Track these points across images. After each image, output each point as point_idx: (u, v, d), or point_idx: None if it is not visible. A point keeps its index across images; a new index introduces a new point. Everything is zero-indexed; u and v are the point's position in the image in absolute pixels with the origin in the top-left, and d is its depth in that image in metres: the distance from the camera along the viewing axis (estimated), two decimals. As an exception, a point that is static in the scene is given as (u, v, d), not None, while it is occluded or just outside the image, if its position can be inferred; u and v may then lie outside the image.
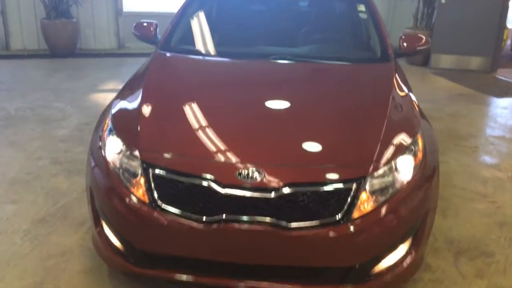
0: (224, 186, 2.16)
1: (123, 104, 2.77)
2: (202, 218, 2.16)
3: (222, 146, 2.34)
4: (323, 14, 3.93)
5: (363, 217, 2.22)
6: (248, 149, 2.33)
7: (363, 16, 3.79)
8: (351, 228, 2.19)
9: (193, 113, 2.61)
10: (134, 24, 3.79)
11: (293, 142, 2.39)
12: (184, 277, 2.27)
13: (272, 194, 2.15)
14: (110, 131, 2.55)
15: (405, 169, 2.40)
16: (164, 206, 2.22)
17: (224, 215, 2.15)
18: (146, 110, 2.62)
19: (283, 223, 2.14)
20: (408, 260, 2.42)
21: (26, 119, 5.25)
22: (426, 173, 2.52)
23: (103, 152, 2.49)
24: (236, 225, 2.15)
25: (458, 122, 5.67)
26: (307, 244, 2.17)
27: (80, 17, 8.77)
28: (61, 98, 6.11)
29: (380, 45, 3.45)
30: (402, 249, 2.41)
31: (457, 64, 8.38)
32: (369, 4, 3.76)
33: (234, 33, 3.65)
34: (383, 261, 2.34)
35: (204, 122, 2.52)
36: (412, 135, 2.54)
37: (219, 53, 3.43)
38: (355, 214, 2.21)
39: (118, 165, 2.39)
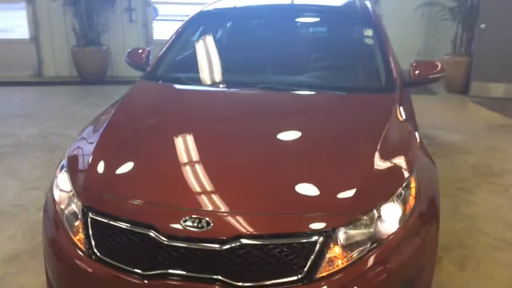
0: (167, 236, 1.86)
1: (83, 139, 2.53)
2: (142, 273, 1.86)
3: (171, 190, 2.05)
4: (327, 40, 3.60)
5: (333, 276, 1.86)
6: (199, 193, 2.02)
7: (371, 41, 3.44)
8: (316, 288, 1.83)
9: (149, 153, 2.32)
10: (127, 51, 3.61)
11: (256, 186, 2.06)
12: None
13: (221, 247, 1.83)
14: (62, 168, 2.32)
15: (391, 218, 2.02)
16: (101, 256, 1.94)
17: (167, 270, 1.85)
18: (102, 147, 2.37)
19: (233, 282, 1.81)
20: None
21: (35, 147, 5.16)
22: (420, 223, 2.13)
23: (52, 190, 2.26)
24: (180, 283, 1.84)
25: (493, 157, 5.13)
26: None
27: (111, 44, 8.81)
28: (77, 125, 5.97)
29: (385, 73, 3.09)
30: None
31: (500, 92, 7.77)
32: (377, 29, 3.40)
33: (227, 61, 3.38)
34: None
35: (158, 162, 2.23)
36: (403, 178, 2.16)
37: (206, 83, 3.16)
38: (323, 273, 1.85)
39: (64, 206, 2.14)
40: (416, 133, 2.67)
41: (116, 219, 1.94)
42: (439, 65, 3.24)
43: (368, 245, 1.95)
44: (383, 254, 1.95)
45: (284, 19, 3.60)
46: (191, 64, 3.33)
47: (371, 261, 1.93)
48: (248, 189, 2.04)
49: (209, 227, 1.85)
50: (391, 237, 2.00)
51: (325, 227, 1.88)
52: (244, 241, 1.82)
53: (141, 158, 2.28)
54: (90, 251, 1.96)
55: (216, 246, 1.83)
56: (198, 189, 2.04)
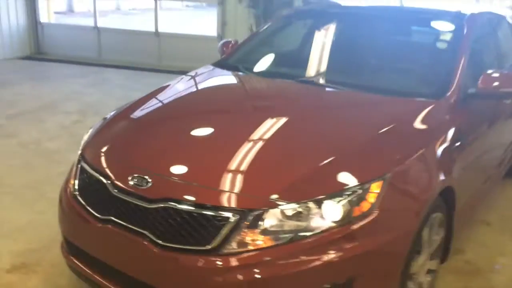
0: (115, 188, 2.15)
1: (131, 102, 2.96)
2: (97, 216, 2.19)
3: (136, 153, 2.35)
4: (403, 44, 3.38)
5: (239, 255, 1.91)
6: (154, 158, 2.26)
7: (444, 46, 3.13)
8: (220, 262, 1.92)
9: (147, 124, 2.65)
10: (221, 42, 3.96)
11: (203, 160, 2.21)
12: (81, 268, 2.33)
13: (149, 205, 2.05)
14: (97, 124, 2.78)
15: (327, 215, 1.96)
16: (79, 197, 2.33)
17: (112, 217, 2.15)
18: (123, 112, 2.79)
19: (155, 239, 2.02)
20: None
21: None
22: (371, 231, 2.00)
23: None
24: (117, 230, 2.12)
25: None
26: (170, 266, 1.99)
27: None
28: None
29: (441, 80, 2.81)
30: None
31: None
32: (459, 30, 3.08)
33: (294, 57, 3.47)
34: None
35: (143, 133, 2.54)
36: (361, 179, 2.05)
37: (261, 73, 3.32)
38: (231, 250, 1.92)
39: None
40: (440, 148, 2.43)
41: (90, 167, 2.31)
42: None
43: (292, 235, 1.93)
44: (303, 249, 1.91)
45: (364, 23, 3.51)
46: (258, 57, 3.51)
47: (287, 251, 1.91)
48: (194, 161, 2.20)
49: (147, 186, 2.08)
50: (321, 234, 1.94)
51: (242, 208, 1.94)
52: (167, 203, 2.01)
53: (137, 128, 2.64)
54: (74, 192, 2.37)
55: (146, 204, 2.05)
56: (155, 154, 2.29)
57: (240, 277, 1.90)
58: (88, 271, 2.30)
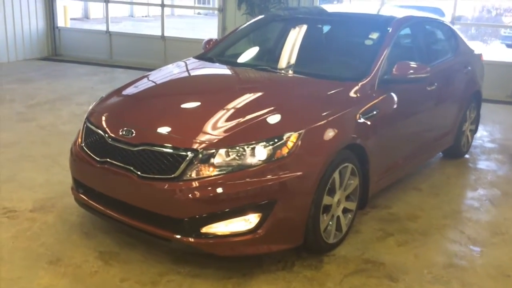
0: (110, 138, 3.02)
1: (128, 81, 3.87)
2: (97, 159, 3.06)
3: (127, 113, 3.24)
4: (342, 41, 4.26)
5: (196, 180, 2.75)
6: (139, 115, 3.16)
7: (372, 42, 3.97)
8: (181, 185, 2.76)
9: (132, 96, 3.57)
10: (205, 40, 4.82)
11: (174, 116, 3.13)
12: (86, 200, 3.19)
13: (133, 149, 2.90)
14: (103, 97, 3.69)
15: (255, 155, 2.80)
16: (84, 147, 3.20)
17: (108, 159, 3.01)
18: (120, 89, 3.68)
19: (137, 171, 2.87)
20: (247, 236, 2.80)
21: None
22: (286, 168, 2.82)
23: (91, 106, 3.62)
24: (111, 168, 2.97)
25: None
26: (148, 191, 2.84)
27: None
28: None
29: (366, 67, 3.65)
30: (241, 224, 2.80)
31: None
32: (385, 30, 3.91)
33: (256, 51, 4.37)
34: (215, 225, 2.78)
35: (129, 101, 3.49)
36: (280, 132, 2.89)
37: (229, 62, 4.20)
38: (188, 177, 2.76)
39: None
40: (352, 115, 3.27)
41: (92, 124, 3.20)
42: (422, 68, 3.63)
43: (232, 168, 2.77)
44: (234, 178, 2.75)
45: (316, 25, 4.39)
46: (229, 52, 4.41)
47: (222, 179, 2.74)
48: (165, 119, 3.06)
49: (132, 136, 2.94)
50: (252, 168, 2.77)
51: (196, 149, 2.78)
52: (145, 147, 2.87)
53: (125, 98, 3.54)
54: (81, 144, 3.24)
55: (130, 148, 2.91)
56: (137, 115, 3.18)
57: (197, 193, 2.73)
58: (91, 201, 3.16)
